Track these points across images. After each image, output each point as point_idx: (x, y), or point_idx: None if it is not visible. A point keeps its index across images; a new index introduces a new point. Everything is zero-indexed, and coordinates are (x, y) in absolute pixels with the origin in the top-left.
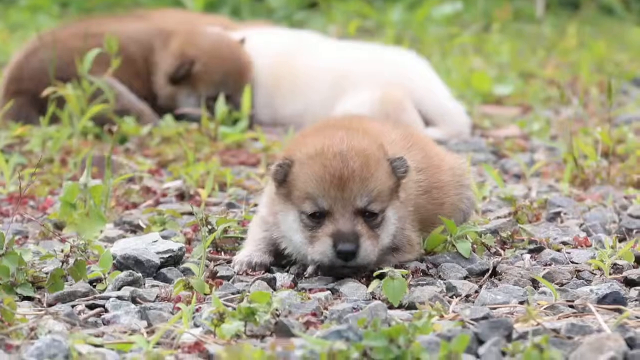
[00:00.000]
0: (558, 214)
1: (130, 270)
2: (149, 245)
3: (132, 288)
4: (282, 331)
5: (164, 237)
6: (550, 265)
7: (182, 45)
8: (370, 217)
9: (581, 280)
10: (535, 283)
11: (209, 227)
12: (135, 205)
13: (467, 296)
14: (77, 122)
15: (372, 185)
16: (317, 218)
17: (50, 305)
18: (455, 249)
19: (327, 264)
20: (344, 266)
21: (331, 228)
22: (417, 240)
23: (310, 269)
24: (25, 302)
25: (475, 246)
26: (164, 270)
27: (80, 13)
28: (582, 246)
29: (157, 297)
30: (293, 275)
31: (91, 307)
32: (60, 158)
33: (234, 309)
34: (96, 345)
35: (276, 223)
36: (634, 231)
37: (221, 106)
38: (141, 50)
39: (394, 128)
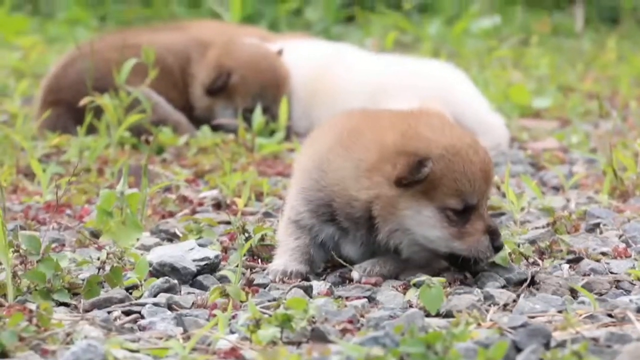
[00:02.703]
0: (597, 225)
1: (167, 277)
2: (186, 253)
3: (168, 295)
4: (318, 338)
5: (201, 245)
6: (589, 275)
7: (220, 56)
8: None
9: (620, 290)
10: (574, 293)
11: (246, 234)
12: (171, 214)
13: (505, 305)
14: (114, 132)
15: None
16: (463, 213)
17: (86, 311)
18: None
19: (482, 258)
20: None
21: (482, 224)
22: None
23: (356, 275)
24: (62, 308)
25: (513, 256)
26: (200, 277)
27: (118, 26)
28: (621, 257)
29: (193, 304)
30: (330, 284)
31: (127, 313)
32: (97, 168)
33: (270, 316)
34: (132, 351)
35: (392, 219)
36: None
37: (258, 117)
38: (178, 62)
39: None
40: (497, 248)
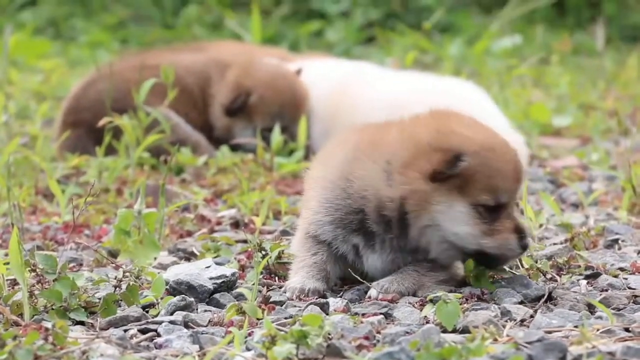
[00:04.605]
0: (616, 241)
1: (183, 295)
2: (202, 271)
3: (184, 313)
4: (334, 354)
5: (218, 264)
6: (606, 290)
7: (239, 76)
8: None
9: (638, 306)
10: (591, 308)
11: (263, 252)
12: (189, 234)
13: (522, 320)
14: (133, 153)
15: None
16: (493, 211)
17: (102, 329)
18: (506, 273)
19: (510, 256)
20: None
21: (512, 223)
22: None
23: (374, 293)
24: (78, 327)
25: (531, 272)
26: (216, 295)
27: (140, 48)
28: (639, 272)
29: (209, 321)
30: (347, 300)
31: (143, 331)
32: (116, 188)
33: (287, 332)
34: None
35: (424, 215)
36: None
37: (277, 137)
38: (197, 82)
39: None
40: (524, 246)
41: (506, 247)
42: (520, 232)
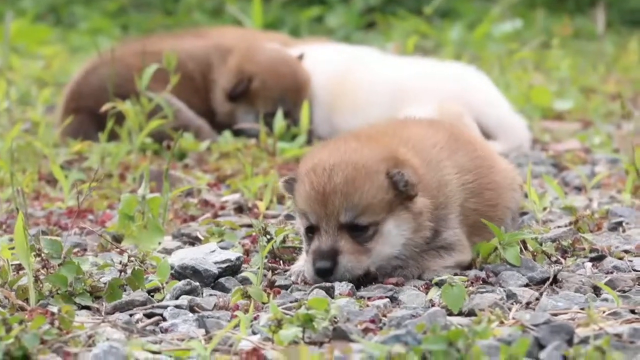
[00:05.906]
0: (620, 223)
1: (188, 280)
2: (207, 255)
3: (189, 297)
4: (340, 337)
5: (222, 248)
6: (612, 273)
7: (240, 61)
8: (359, 230)
9: None
10: (596, 290)
11: (268, 236)
12: (193, 218)
13: (527, 303)
14: (136, 138)
15: (357, 199)
16: (311, 233)
17: (108, 314)
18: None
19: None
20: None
21: (314, 245)
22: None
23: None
24: (83, 312)
25: (536, 255)
26: (221, 279)
27: (141, 34)
28: None
29: (215, 305)
30: (352, 284)
31: (149, 315)
32: (119, 173)
33: (292, 316)
34: (154, 352)
35: None
36: None
37: (279, 121)
38: (199, 67)
39: (439, 130)
40: (317, 271)
41: (306, 271)
42: (315, 254)
